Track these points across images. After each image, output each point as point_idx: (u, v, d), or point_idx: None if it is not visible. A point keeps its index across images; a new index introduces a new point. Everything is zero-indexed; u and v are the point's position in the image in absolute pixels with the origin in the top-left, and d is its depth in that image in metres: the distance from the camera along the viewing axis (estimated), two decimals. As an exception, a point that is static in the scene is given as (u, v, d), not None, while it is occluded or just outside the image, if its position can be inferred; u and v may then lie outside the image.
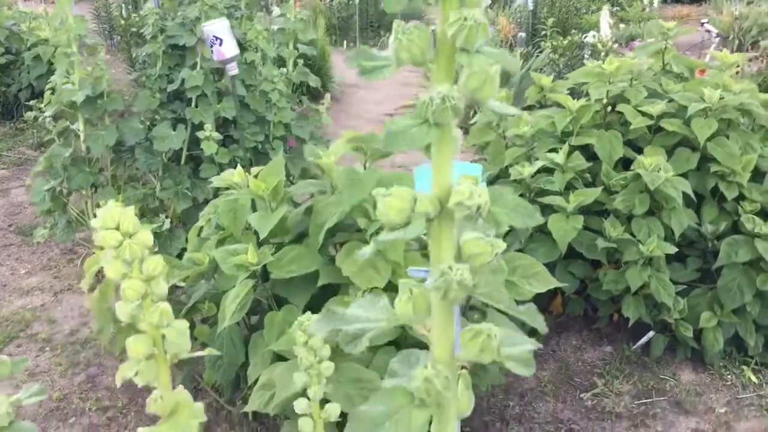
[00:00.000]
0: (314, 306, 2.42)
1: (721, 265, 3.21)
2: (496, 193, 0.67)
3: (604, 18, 6.49)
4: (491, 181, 3.63)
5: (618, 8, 11.49)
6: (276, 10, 6.16)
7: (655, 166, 3.19)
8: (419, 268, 1.57)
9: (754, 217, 3.22)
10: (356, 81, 8.49)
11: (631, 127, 3.45)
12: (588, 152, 3.52)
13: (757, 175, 3.39)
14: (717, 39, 7.51)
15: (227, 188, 2.73)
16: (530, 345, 0.66)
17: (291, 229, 2.64)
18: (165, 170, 4.17)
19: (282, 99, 4.31)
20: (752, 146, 3.41)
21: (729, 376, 3.29)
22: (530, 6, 9.10)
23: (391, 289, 2.24)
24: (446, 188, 0.64)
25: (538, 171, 3.39)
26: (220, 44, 3.63)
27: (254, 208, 2.69)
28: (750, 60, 6.77)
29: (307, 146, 2.90)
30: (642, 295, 3.29)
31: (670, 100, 3.52)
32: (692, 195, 3.26)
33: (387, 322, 0.66)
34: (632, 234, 3.26)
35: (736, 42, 9.09)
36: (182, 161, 4.25)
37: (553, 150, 3.49)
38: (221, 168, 3.77)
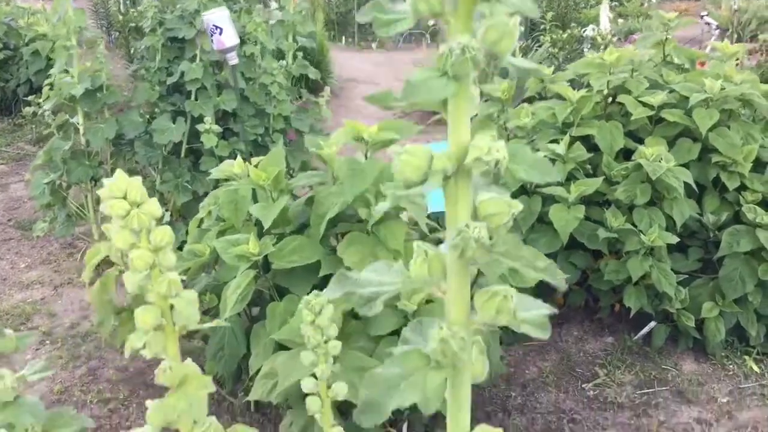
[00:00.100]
0: (316, 296, 2.40)
1: (723, 255, 3.21)
2: (514, 149, 0.66)
3: (604, 11, 6.49)
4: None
5: (617, 3, 11.49)
6: (273, 4, 6.15)
7: (656, 156, 3.18)
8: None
9: (756, 207, 3.22)
10: (355, 76, 8.48)
11: (632, 118, 3.44)
12: (589, 143, 3.51)
13: (758, 165, 3.39)
14: (717, 32, 7.51)
15: (227, 179, 2.72)
16: (546, 309, 0.65)
17: (292, 219, 2.63)
18: (165, 163, 4.16)
19: (282, 92, 4.31)
20: (753, 136, 3.40)
21: (731, 366, 3.29)
22: None
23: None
24: (463, 145, 0.63)
25: (540, 162, 3.38)
26: (220, 33, 3.62)
27: (255, 199, 2.67)
28: (749, 52, 6.77)
29: (307, 136, 2.89)
30: (643, 285, 3.28)
31: (671, 91, 3.51)
32: (693, 185, 3.26)
33: (402, 284, 0.66)
34: (633, 224, 3.25)
35: (735, 35, 9.08)
36: (182, 154, 4.24)
37: (554, 141, 3.48)
38: (221, 161, 3.75)
